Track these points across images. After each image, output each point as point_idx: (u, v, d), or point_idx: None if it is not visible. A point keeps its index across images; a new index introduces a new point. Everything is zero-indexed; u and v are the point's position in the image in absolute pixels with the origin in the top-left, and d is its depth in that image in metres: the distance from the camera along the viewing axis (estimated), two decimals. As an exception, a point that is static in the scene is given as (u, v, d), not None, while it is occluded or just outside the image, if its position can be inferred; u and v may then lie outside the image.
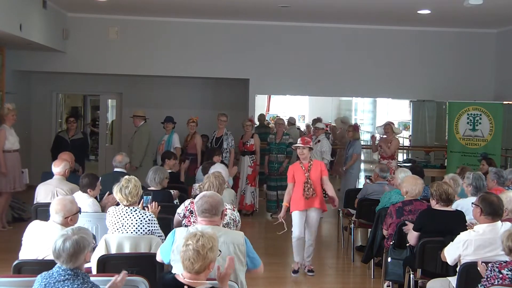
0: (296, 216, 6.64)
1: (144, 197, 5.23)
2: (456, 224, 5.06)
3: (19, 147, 8.56)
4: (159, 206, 5.11)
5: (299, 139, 6.79)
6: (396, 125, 10.42)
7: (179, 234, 3.78)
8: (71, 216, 4.27)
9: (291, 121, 14.07)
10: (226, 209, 3.91)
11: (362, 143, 17.19)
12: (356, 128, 10.40)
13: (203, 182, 5.22)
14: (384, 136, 9.82)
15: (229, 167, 8.44)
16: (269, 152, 9.98)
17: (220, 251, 3.23)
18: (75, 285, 3.13)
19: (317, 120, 13.98)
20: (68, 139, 9.73)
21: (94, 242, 3.42)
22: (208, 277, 3.22)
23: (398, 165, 10.70)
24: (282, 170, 9.71)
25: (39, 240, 4.23)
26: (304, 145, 6.60)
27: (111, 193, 5.38)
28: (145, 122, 9.90)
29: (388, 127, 9.65)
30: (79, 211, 4.39)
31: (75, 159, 7.32)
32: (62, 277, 3.15)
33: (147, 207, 5.06)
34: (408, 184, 5.77)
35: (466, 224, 5.12)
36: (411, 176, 6.03)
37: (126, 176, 4.86)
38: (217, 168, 6.55)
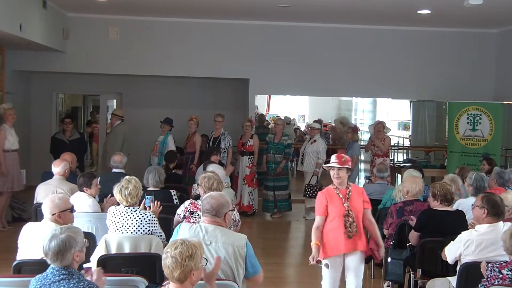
0: (332, 264, 4.83)
1: (147, 196, 5.24)
2: (457, 223, 5.07)
3: (18, 147, 8.56)
4: (161, 206, 5.10)
5: (334, 156, 4.94)
6: (395, 125, 10.51)
7: (182, 230, 3.84)
8: (58, 213, 4.26)
9: (287, 121, 14.09)
10: (227, 212, 3.88)
11: (362, 142, 17.17)
12: (355, 130, 10.47)
13: (200, 182, 5.14)
14: (375, 135, 9.92)
15: (226, 167, 8.45)
16: (266, 152, 9.98)
17: (206, 259, 3.18)
18: (71, 285, 3.13)
19: (316, 121, 13.99)
20: (67, 140, 9.69)
21: (86, 241, 3.38)
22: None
23: (398, 165, 10.75)
24: (280, 171, 9.72)
25: (34, 241, 4.22)
26: (342, 165, 4.82)
27: (112, 195, 5.39)
28: (121, 122, 9.90)
29: (380, 126, 9.89)
30: (70, 209, 4.37)
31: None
32: (57, 278, 3.15)
33: (149, 207, 5.06)
34: (408, 183, 5.77)
35: (469, 223, 5.12)
36: (411, 176, 6.07)
37: (127, 177, 4.85)
38: (213, 168, 6.51)
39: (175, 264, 2.99)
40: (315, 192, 9.27)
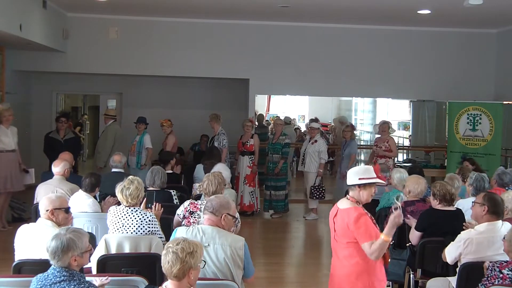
0: None
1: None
2: (457, 223, 5.08)
3: (16, 147, 8.44)
4: (162, 208, 5.10)
5: (372, 170, 4.08)
6: (395, 125, 10.49)
7: (179, 234, 3.81)
8: (52, 209, 4.26)
9: (287, 121, 14.09)
10: (226, 214, 3.88)
11: (362, 143, 17.14)
12: (353, 128, 10.46)
13: (203, 181, 5.23)
14: (379, 135, 9.89)
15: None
16: (267, 152, 10.02)
17: (204, 261, 3.19)
18: (71, 286, 3.13)
19: (313, 120, 13.99)
20: (62, 140, 9.66)
21: (90, 246, 3.35)
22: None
23: (398, 165, 10.71)
24: (278, 171, 9.73)
25: (31, 241, 4.23)
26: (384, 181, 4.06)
27: (111, 196, 5.39)
28: (114, 122, 9.91)
29: (385, 126, 9.80)
30: (65, 208, 4.37)
31: None
32: (58, 279, 3.15)
33: (151, 207, 5.06)
34: (410, 183, 5.76)
35: (464, 224, 5.12)
36: (413, 176, 6.03)
37: (130, 177, 4.85)
38: (218, 168, 6.54)
39: (175, 259, 3.01)
40: (322, 193, 9.52)
